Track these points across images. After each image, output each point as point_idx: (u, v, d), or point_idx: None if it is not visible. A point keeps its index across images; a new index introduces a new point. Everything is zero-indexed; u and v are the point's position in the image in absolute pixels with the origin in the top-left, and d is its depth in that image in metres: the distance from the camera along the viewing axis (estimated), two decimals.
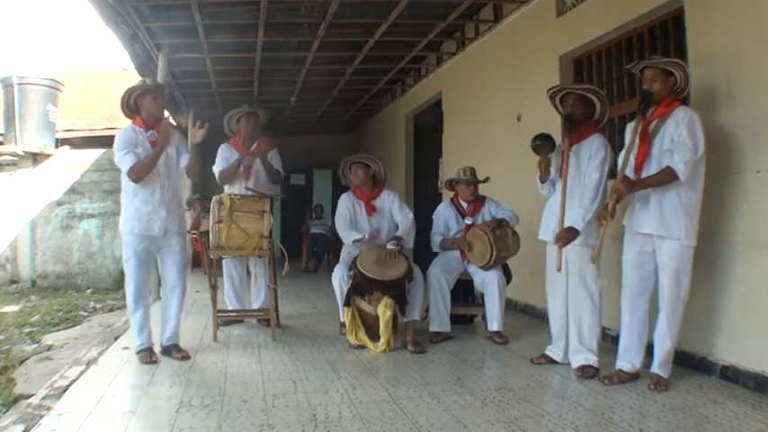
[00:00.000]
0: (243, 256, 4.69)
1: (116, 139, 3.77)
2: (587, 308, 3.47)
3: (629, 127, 3.38)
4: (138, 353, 3.77)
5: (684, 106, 3.24)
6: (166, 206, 3.80)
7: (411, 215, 4.50)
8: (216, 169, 4.85)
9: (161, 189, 3.79)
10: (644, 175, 3.20)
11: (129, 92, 3.86)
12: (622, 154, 3.30)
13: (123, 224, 3.79)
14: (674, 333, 3.17)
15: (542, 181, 3.72)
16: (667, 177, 3.06)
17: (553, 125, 3.96)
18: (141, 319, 3.79)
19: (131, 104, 3.83)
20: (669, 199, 3.12)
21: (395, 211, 4.51)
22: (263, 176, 4.89)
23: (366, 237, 4.30)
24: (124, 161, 3.69)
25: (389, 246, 4.22)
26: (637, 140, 3.22)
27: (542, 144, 3.64)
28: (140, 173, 3.69)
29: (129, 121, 3.90)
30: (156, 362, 3.71)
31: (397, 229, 4.47)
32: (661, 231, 3.14)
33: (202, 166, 4.03)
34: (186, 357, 3.82)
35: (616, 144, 3.86)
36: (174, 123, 8.62)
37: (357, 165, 4.52)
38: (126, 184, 3.77)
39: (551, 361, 3.69)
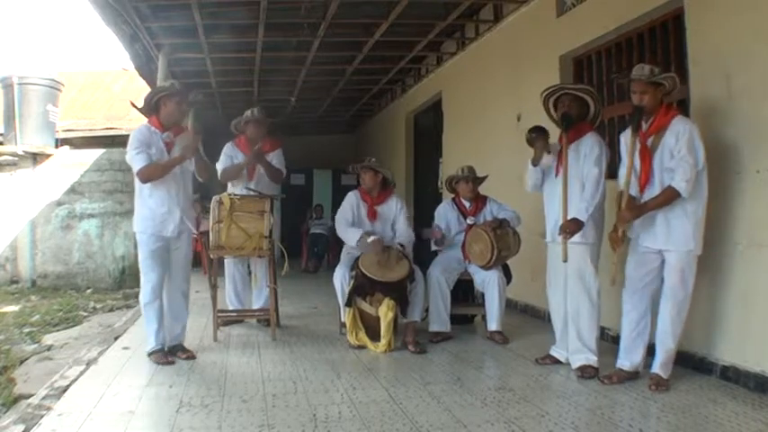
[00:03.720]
0: (242, 256, 4.70)
1: (131, 137, 3.73)
2: (586, 306, 3.47)
3: (623, 138, 3.38)
4: (151, 354, 3.74)
5: (682, 117, 3.22)
6: (181, 207, 3.78)
7: (413, 235, 4.53)
8: (219, 167, 4.85)
9: (176, 190, 3.77)
10: (647, 193, 3.20)
11: (156, 91, 3.86)
12: (623, 172, 3.29)
13: (137, 224, 3.76)
14: (677, 334, 3.18)
15: (534, 164, 3.69)
16: (671, 197, 3.08)
17: (553, 124, 3.96)
18: (157, 319, 3.75)
19: (152, 104, 3.80)
20: (675, 214, 3.13)
21: (399, 222, 4.53)
22: (266, 177, 4.90)
23: (370, 239, 4.25)
24: (136, 160, 3.65)
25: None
26: (637, 158, 3.21)
27: (537, 136, 3.67)
28: (151, 175, 3.64)
29: (128, 120, 3.90)
30: (172, 363, 3.69)
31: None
32: (669, 247, 3.16)
33: (207, 167, 4.02)
34: (192, 357, 3.82)
35: (615, 143, 3.85)
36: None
37: (365, 169, 4.54)
38: (140, 184, 3.73)
39: (556, 361, 3.68)
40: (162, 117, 3.78)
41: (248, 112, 4.96)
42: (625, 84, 3.35)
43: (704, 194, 3.14)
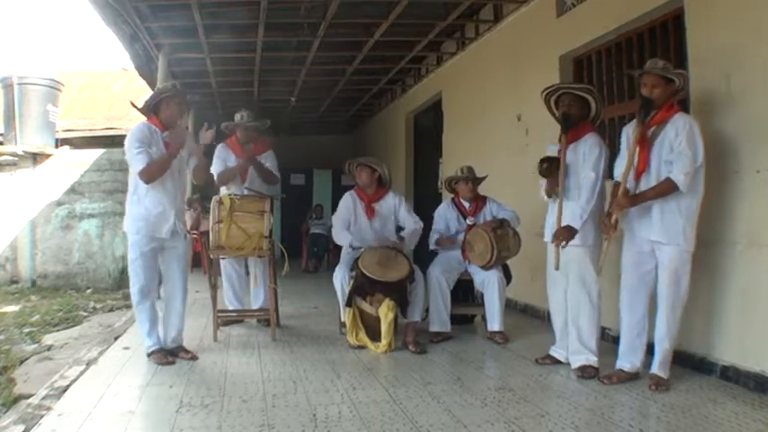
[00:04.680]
0: (242, 256, 4.69)
1: (130, 136, 3.68)
2: (586, 308, 3.47)
3: (626, 131, 3.38)
4: (150, 354, 3.73)
5: (683, 113, 3.23)
6: (176, 208, 3.76)
7: (420, 223, 4.52)
8: (213, 170, 4.78)
9: (173, 191, 3.75)
10: (643, 182, 3.21)
11: (159, 92, 3.85)
12: (622, 162, 3.28)
13: (130, 224, 3.70)
14: (673, 333, 3.17)
15: (549, 196, 3.66)
16: (668, 189, 3.08)
17: (553, 124, 3.97)
18: (150, 320, 3.74)
19: (153, 104, 3.77)
20: (668, 206, 3.13)
21: (401, 215, 4.53)
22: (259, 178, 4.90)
23: (351, 247, 4.35)
24: (137, 160, 3.59)
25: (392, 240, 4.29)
26: (637, 148, 3.21)
27: (549, 167, 3.57)
28: (153, 174, 3.60)
29: (128, 120, 3.90)
30: (172, 363, 3.68)
31: (399, 230, 4.50)
32: (661, 238, 3.15)
33: (207, 170, 4.03)
34: (195, 358, 3.81)
35: (615, 144, 3.85)
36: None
37: (362, 167, 4.53)
38: (135, 183, 3.67)
39: (556, 362, 3.67)
40: (163, 117, 3.76)
41: (237, 116, 4.95)
42: (635, 77, 3.34)
43: (700, 192, 3.13)
